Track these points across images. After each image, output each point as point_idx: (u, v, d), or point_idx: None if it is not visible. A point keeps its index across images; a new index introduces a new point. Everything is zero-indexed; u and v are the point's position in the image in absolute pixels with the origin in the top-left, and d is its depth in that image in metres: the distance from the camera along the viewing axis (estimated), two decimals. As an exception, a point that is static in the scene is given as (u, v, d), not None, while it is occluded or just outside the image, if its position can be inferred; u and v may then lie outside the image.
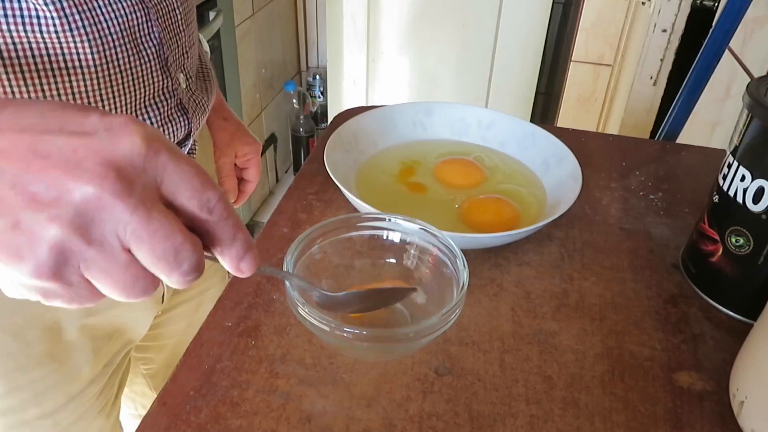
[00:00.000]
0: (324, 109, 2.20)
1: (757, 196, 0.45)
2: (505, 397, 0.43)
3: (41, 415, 0.55)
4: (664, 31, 1.23)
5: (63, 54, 0.43)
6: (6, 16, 0.40)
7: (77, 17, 0.43)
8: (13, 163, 0.25)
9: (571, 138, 0.76)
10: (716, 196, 0.50)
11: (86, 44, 0.44)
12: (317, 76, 2.23)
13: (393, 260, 0.49)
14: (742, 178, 0.46)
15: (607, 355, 0.47)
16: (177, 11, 0.52)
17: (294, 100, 2.14)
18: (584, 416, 0.42)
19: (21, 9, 0.40)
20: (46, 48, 0.43)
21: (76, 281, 0.27)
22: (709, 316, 0.51)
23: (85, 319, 0.55)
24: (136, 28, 0.47)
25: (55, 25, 0.42)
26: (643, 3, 1.36)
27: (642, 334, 0.48)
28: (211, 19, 1.44)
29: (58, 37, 0.42)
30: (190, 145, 0.57)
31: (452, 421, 0.41)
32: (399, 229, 0.49)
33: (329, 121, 0.90)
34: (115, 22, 0.45)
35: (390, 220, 0.48)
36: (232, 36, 1.63)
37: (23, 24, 0.41)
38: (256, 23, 1.82)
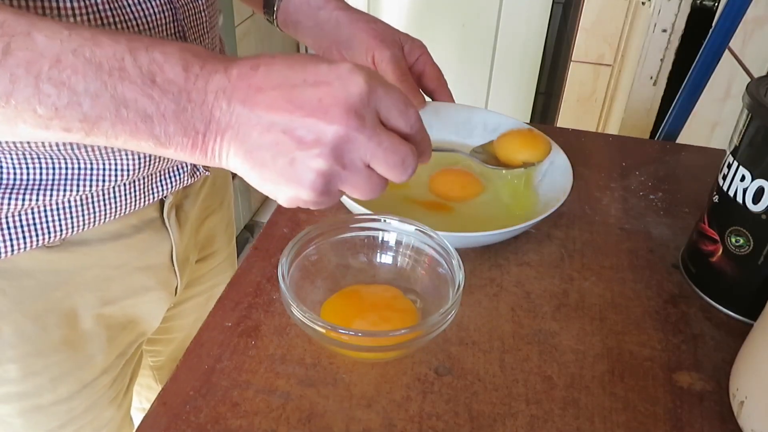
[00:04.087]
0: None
1: (757, 196, 0.45)
2: (505, 397, 0.43)
3: (56, 401, 0.56)
4: (664, 31, 1.23)
5: None
6: (35, 8, 0.40)
7: (108, 13, 0.43)
8: (280, 114, 0.34)
9: (571, 138, 0.76)
10: (716, 196, 0.50)
11: None
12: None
13: (388, 261, 0.49)
14: (742, 178, 0.46)
15: (607, 355, 0.47)
16: (203, 13, 0.52)
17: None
18: (584, 416, 0.42)
19: (50, 1, 0.40)
20: None
21: (336, 193, 0.37)
22: (709, 316, 0.51)
23: (101, 308, 0.56)
24: (163, 27, 0.47)
25: (89, 21, 0.42)
26: (643, 3, 1.36)
27: (642, 334, 0.48)
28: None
29: None
30: None
31: (452, 421, 0.41)
32: (394, 229, 0.49)
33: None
34: (143, 20, 0.45)
35: (385, 221, 0.48)
36: (233, 36, 1.63)
37: (51, 15, 0.40)
38: (257, 23, 1.82)
